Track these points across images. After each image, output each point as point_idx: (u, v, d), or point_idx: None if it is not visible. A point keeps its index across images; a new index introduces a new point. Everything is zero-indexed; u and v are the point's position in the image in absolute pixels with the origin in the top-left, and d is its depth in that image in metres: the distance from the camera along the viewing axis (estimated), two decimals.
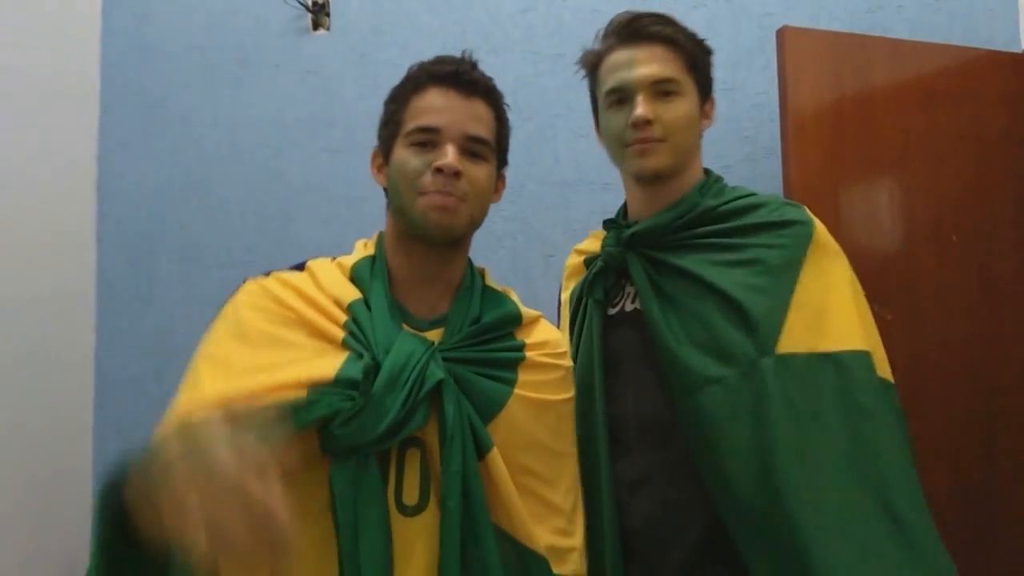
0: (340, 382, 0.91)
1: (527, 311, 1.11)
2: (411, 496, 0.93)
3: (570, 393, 1.12)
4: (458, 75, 1.02)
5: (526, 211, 2.36)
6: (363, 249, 1.09)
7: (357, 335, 0.96)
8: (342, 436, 0.89)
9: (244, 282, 1.04)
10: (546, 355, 1.08)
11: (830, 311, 1.13)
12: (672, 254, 1.20)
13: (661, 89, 1.18)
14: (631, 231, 1.23)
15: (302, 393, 0.89)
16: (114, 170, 2.46)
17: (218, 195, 2.44)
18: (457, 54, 1.06)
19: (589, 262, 1.33)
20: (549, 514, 1.02)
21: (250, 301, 1.00)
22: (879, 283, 1.95)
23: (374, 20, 2.45)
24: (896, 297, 1.97)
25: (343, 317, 0.98)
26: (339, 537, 0.88)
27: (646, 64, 1.18)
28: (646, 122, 1.16)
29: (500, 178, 1.10)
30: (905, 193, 2.04)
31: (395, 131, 1.04)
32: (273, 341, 0.95)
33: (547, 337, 1.11)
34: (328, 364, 0.92)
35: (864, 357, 1.11)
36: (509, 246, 2.37)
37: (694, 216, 1.21)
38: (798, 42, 1.96)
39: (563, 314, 1.40)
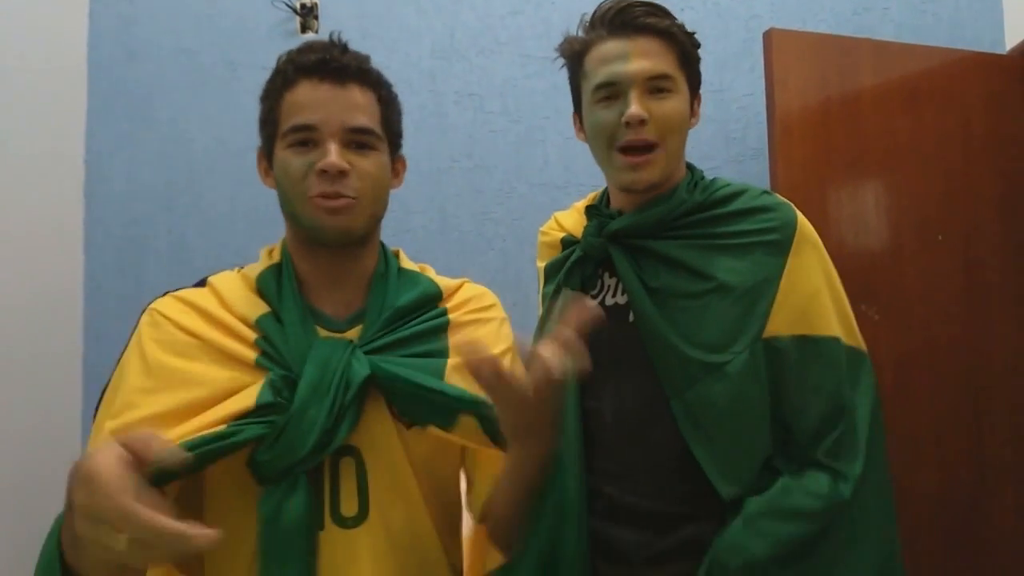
0: (260, 409, 0.86)
1: (448, 281, 1.05)
2: (349, 507, 0.90)
3: (508, 343, 1.04)
4: (327, 63, 0.93)
5: (515, 213, 2.37)
6: (268, 257, 1.02)
7: (271, 353, 0.90)
8: (268, 461, 0.85)
9: (146, 308, 0.96)
10: (470, 312, 1.03)
11: (816, 297, 1.14)
12: (656, 242, 1.17)
13: (655, 86, 1.11)
14: (614, 227, 1.18)
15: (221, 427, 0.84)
16: (102, 172, 2.45)
17: (206, 197, 2.43)
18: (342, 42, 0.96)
19: (568, 243, 1.27)
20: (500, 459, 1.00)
21: (153, 335, 0.92)
22: (866, 283, 1.97)
23: (363, 23, 2.45)
24: (882, 296, 1.98)
25: (253, 336, 0.91)
26: (260, 565, 0.84)
27: (640, 58, 1.10)
28: (640, 121, 1.10)
29: (398, 160, 1.02)
30: (891, 193, 2.06)
31: (273, 131, 0.96)
32: (184, 381, 0.88)
33: (469, 295, 1.05)
34: (247, 395, 0.87)
35: (838, 342, 1.13)
36: (499, 248, 2.37)
37: (681, 212, 1.18)
38: (785, 44, 1.98)
39: (541, 280, 1.37)
